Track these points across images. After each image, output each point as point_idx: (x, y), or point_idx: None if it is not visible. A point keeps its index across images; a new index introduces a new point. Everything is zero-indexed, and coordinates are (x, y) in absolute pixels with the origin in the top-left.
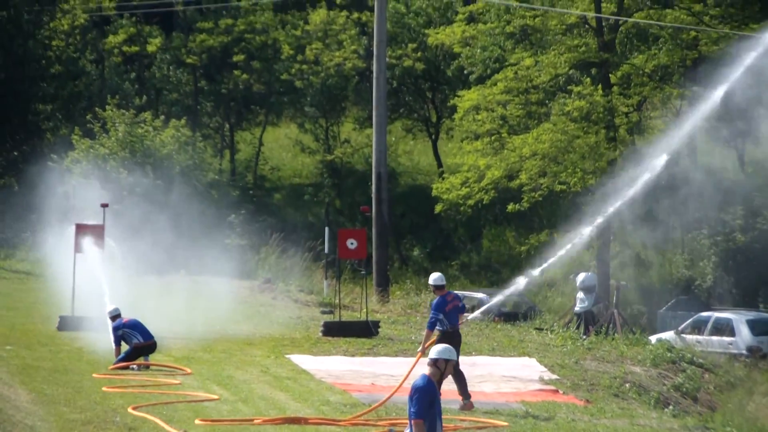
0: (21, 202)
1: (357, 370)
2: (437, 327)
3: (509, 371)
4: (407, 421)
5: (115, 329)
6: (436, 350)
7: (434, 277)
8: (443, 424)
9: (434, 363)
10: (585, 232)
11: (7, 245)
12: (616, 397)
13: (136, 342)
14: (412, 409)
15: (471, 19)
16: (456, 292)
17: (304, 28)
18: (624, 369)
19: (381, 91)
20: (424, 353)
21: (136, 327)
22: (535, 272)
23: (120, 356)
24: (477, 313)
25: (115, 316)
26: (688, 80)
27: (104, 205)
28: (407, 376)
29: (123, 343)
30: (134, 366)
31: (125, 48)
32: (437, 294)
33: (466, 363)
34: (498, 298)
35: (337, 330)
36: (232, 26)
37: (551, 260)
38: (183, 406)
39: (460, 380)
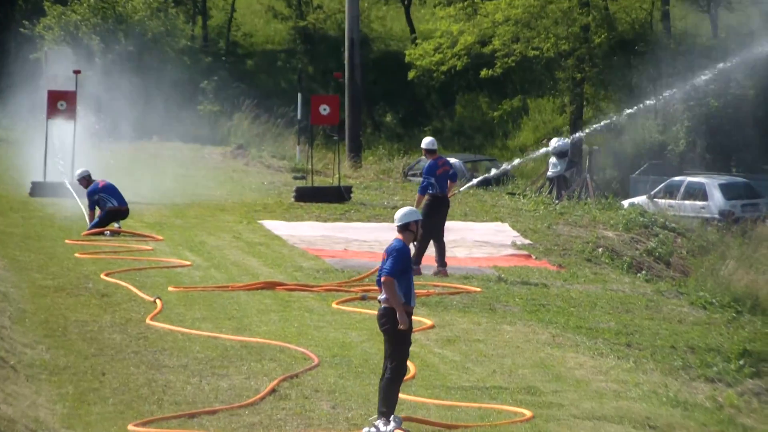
0: None
1: (329, 236)
2: (428, 191)
3: (482, 236)
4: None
5: (91, 193)
6: (404, 214)
7: (426, 141)
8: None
9: (406, 227)
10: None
11: None
12: (588, 262)
13: (110, 206)
14: (384, 267)
15: None
16: (433, 161)
17: None
18: (596, 234)
19: None
20: None
21: (112, 191)
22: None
23: (94, 221)
24: (469, 185)
25: (84, 177)
26: None
27: (76, 72)
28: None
29: (97, 207)
30: (107, 232)
31: None
32: (429, 158)
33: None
34: (496, 172)
35: (309, 195)
36: None
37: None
38: (155, 273)
39: (440, 248)
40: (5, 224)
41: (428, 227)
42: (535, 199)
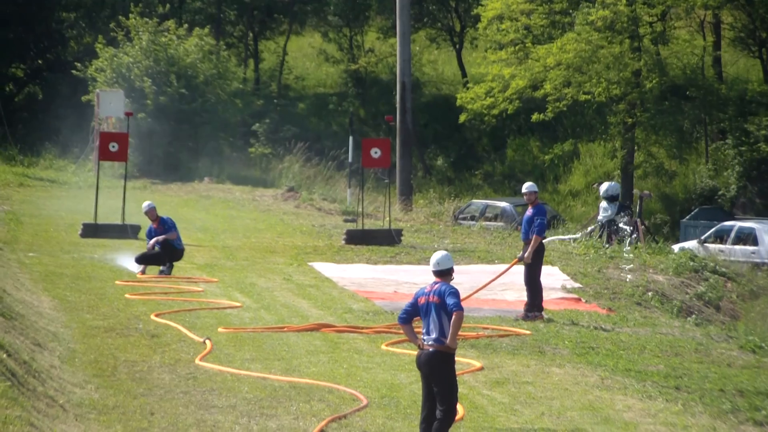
0: (45, 110)
1: (379, 278)
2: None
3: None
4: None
5: (171, 225)
6: (445, 259)
7: (527, 185)
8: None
9: (450, 272)
10: None
11: (31, 153)
12: (638, 306)
13: (181, 245)
14: (453, 301)
15: None
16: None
17: None
18: (647, 278)
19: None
20: (520, 260)
21: (175, 228)
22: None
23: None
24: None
25: (153, 208)
26: None
27: (128, 114)
28: (499, 276)
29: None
30: (164, 268)
31: None
32: (531, 201)
33: (489, 271)
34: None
35: (359, 238)
36: None
37: None
38: (206, 314)
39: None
40: (56, 265)
41: (538, 271)
42: (586, 242)
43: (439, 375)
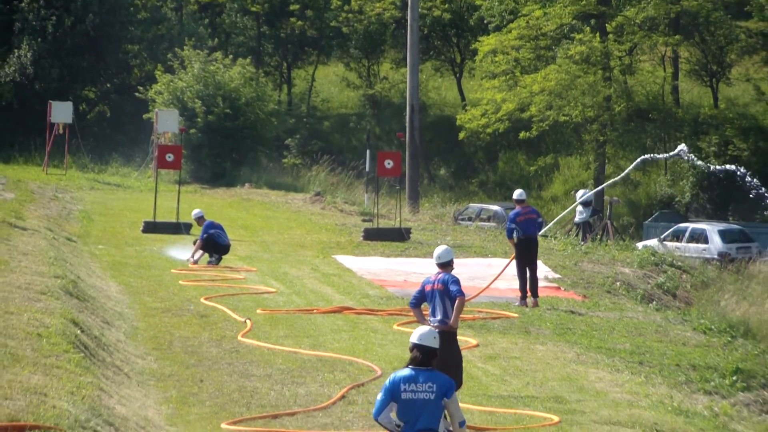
0: (112, 125)
1: (392, 269)
2: (513, 234)
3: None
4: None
5: (209, 227)
6: (446, 252)
7: (516, 193)
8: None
9: (450, 264)
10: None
11: (100, 162)
12: (608, 294)
13: (225, 241)
14: (455, 288)
15: None
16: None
17: None
18: (615, 270)
19: (414, 36)
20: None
21: (222, 230)
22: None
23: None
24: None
25: (201, 216)
26: (671, 29)
27: (182, 130)
28: (498, 276)
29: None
30: (212, 258)
31: None
32: (518, 207)
33: (483, 264)
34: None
35: (375, 235)
36: None
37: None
38: (246, 298)
39: (533, 281)
40: (121, 256)
41: (519, 266)
42: (564, 240)
43: (443, 351)
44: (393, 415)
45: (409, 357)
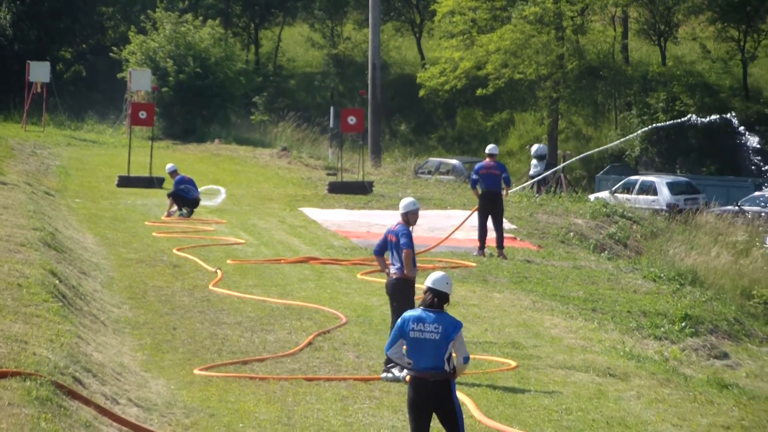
0: (88, 84)
1: (355, 221)
2: (477, 186)
3: (472, 221)
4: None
5: (179, 182)
6: (407, 204)
7: (488, 147)
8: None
9: (406, 215)
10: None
11: (76, 119)
12: (562, 243)
13: (194, 195)
14: (403, 240)
15: None
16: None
17: None
18: (569, 221)
19: None
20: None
21: (193, 184)
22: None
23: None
24: (522, 186)
25: (174, 170)
26: None
27: (154, 89)
28: (458, 227)
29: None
30: (183, 211)
31: None
32: (486, 159)
33: (442, 215)
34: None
35: (339, 188)
36: None
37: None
38: (217, 249)
39: (499, 235)
40: (97, 209)
41: (480, 217)
42: (520, 193)
43: (399, 297)
44: (404, 350)
45: (422, 299)
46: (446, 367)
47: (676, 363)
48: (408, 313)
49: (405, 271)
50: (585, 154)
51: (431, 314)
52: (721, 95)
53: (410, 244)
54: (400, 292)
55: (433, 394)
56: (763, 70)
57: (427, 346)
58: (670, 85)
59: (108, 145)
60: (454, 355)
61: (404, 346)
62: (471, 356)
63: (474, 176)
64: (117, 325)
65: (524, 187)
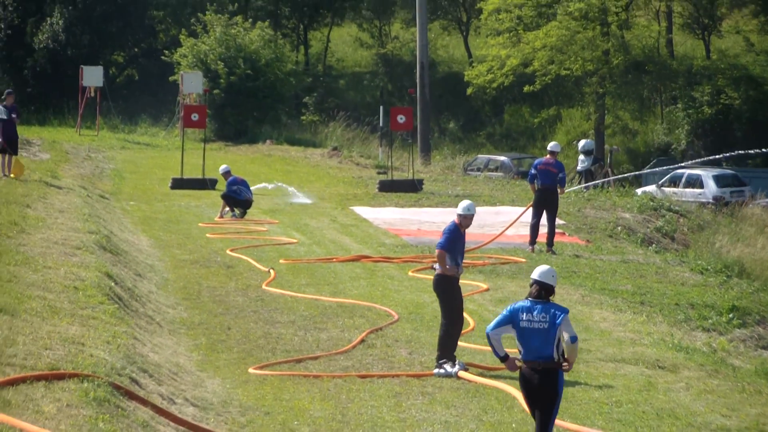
0: (140, 88)
1: (406, 218)
2: (534, 181)
3: (526, 218)
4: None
5: (231, 184)
6: (467, 207)
7: (550, 144)
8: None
9: (465, 216)
10: None
11: (130, 122)
12: (610, 238)
13: (246, 196)
14: (440, 241)
15: None
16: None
17: None
18: (616, 215)
19: None
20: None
21: (246, 185)
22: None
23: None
24: (576, 187)
25: (228, 171)
26: None
27: (206, 91)
28: (513, 223)
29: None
30: (236, 212)
31: None
32: (547, 156)
33: (491, 212)
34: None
35: (389, 187)
36: None
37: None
38: (270, 249)
39: (550, 231)
40: (151, 211)
41: (534, 212)
42: (568, 188)
43: (438, 293)
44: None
45: (529, 291)
46: (555, 355)
47: (724, 354)
48: (518, 303)
49: (441, 270)
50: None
51: (538, 305)
52: (765, 88)
53: (443, 244)
54: (439, 289)
55: (541, 382)
56: None
57: (536, 335)
58: (715, 78)
59: (161, 148)
60: (563, 338)
61: (504, 334)
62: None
63: (532, 171)
64: (172, 326)
65: (586, 187)
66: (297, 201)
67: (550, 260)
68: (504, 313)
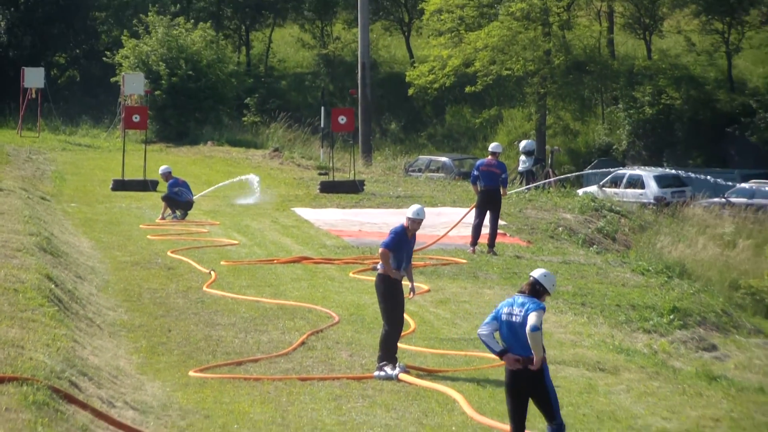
0: (82, 89)
1: (347, 220)
2: (477, 182)
3: (468, 219)
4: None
5: (172, 185)
6: (415, 211)
7: (492, 145)
8: (413, 262)
9: (408, 219)
10: None
11: (71, 124)
12: (551, 239)
13: (188, 198)
14: (385, 240)
15: None
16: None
17: None
18: (557, 216)
19: None
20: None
21: (187, 186)
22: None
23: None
24: (518, 189)
25: (168, 172)
26: None
27: (148, 92)
28: (456, 224)
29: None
30: (177, 214)
31: None
32: (489, 157)
33: (433, 213)
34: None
35: (330, 188)
36: None
37: None
38: (210, 250)
39: (492, 232)
40: (92, 213)
41: (478, 214)
42: (509, 188)
43: (378, 293)
44: (496, 335)
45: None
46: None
47: (665, 356)
48: (505, 300)
49: (380, 270)
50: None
51: (520, 299)
52: (707, 87)
53: (388, 243)
54: (380, 289)
55: (525, 378)
56: (748, 61)
57: (515, 329)
58: (656, 78)
59: (102, 149)
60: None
61: (493, 330)
62: (463, 353)
63: (475, 173)
64: (113, 329)
65: (527, 188)
66: (253, 199)
67: (491, 261)
68: (494, 311)
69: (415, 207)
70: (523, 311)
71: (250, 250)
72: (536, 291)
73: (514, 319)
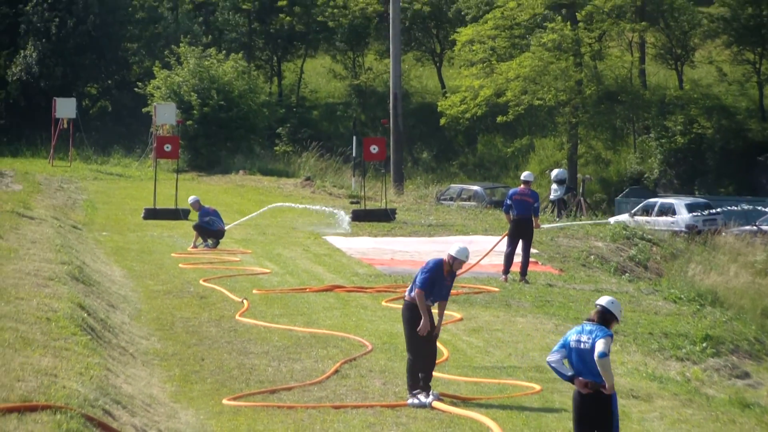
0: (113, 119)
1: (379, 248)
2: (510, 211)
3: (499, 247)
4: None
5: (203, 215)
6: (459, 250)
7: (524, 174)
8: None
9: (450, 256)
10: None
11: (103, 153)
12: (583, 267)
13: (219, 227)
14: (418, 278)
15: None
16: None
17: None
18: (589, 244)
19: (396, 29)
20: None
21: (217, 215)
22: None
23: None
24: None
25: (197, 201)
26: (638, 16)
27: (179, 122)
28: (488, 253)
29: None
30: (209, 242)
31: None
32: (521, 186)
33: (465, 241)
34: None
35: (362, 216)
36: None
37: None
38: (243, 279)
39: (524, 261)
40: (124, 242)
41: (509, 242)
42: (541, 217)
43: (404, 321)
44: (565, 362)
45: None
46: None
47: (698, 383)
48: (573, 328)
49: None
50: None
51: (589, 326)
52: (738, 117)
53: (417, 283)
54: (406, 317)
55: (593, 403)
56: None
57: (583, 355)
58: (688, 108)
59: (134, 179)
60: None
61: (562, 357)
62: (497, 381)
63: (508, 202)
64: (145, 357)
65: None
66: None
67: (523, 289)
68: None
69: (458, 246)
70: (591, 338)
71: (282, 278)
72: (604, 318)
73: (582, 346)
